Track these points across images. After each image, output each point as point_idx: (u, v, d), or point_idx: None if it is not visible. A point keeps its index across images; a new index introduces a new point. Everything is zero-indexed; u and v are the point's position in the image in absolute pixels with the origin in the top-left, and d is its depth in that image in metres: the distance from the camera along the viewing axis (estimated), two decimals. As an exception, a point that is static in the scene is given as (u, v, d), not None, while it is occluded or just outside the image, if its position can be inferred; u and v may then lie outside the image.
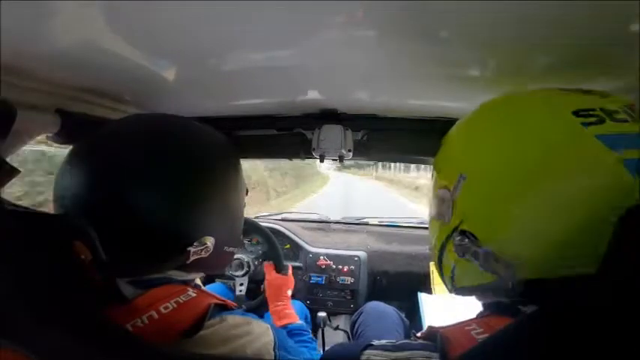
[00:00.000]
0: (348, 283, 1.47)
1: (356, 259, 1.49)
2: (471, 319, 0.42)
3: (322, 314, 1.24)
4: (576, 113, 0.33)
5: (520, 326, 0.30)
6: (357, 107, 0.90)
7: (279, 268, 1.12)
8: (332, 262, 1.48)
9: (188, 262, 0.46)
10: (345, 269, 1.47)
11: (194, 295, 0.46)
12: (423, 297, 1.12)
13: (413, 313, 1.37)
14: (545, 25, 0.42)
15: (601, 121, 0.32)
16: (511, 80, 0.60)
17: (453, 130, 0.47)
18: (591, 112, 0.33)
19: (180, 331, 0.40)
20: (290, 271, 1.12)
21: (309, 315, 1.36)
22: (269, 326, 0.50)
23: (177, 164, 0.46)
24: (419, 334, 0.48)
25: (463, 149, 0.43)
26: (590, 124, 0.32)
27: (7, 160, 0.59)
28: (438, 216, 0.45)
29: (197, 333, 0.41)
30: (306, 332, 0.90)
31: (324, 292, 1.50)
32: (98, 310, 0.36)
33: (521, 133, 0.36)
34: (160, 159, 0.46)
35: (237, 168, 0.56)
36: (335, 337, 1.38)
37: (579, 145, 0.32)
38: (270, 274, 1.10)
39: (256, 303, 1.21)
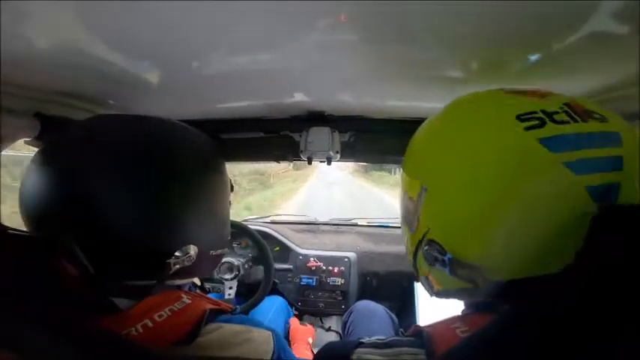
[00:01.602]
0: (339, 284, 1.47)
1: (346, 260, 1.49)
2: (456, 317, 0.43)
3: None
4: (519, 117, 0.34)
5: (498, 324, 0.31)
6: (344, 109, 0.91)
7: (268, 272, 1.16)
8: (322, 264, 1.49)
9: (170, 272, 0.45)
10: (336, 270, 1.48)
11: (189, 301, 0.45)
12: (419, 287, 1.13)
13: (403, 312, 1.38)
14: (522, 28, 0.43)
15: (542, 124, 0.33)
16: (490, 80, 0.61)
17: (415, 137, 0.47)
18: (533, 116, 0.34)
19: (176, 339, 0.40)
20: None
21: (291, 313, 1.41)
22: (270, 334, 0.49)
23: (152, 170, 0.43)
24: (407, 332, 0.49)
25: (424, 160, 0.43)
26: (532, 127, 0.33)
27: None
28: (408, 225, 0.46)
29: (194, 340, 0.41)
30: None
31: (315, 294, 1.50)
32: (91, 320, 0.36)
33: (472, 142, 0.37)
34: (131, 165, 0.42)
35: (219, 168, 0.54)
36: (328, 338, 1.39)
37: (524, 150, 0.33)
38: (294, 323, 1.26)
39: (247, 306, 1.20)
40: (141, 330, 0.39)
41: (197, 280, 1.21)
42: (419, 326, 0.44)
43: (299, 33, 0.45)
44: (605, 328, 0.24)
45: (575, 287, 0.27)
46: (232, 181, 0.60)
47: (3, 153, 0.64)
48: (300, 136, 0.97)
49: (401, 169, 0.50)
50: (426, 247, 0.40)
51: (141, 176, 0.42)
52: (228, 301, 1.23)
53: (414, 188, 0.42)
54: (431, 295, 0.48)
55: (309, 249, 1.55)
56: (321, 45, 0.49)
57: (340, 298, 1.49)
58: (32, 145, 0.68)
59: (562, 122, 0.33)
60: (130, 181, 0.42)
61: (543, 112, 0.34)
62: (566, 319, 0.26)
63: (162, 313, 0.42)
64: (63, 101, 0.68)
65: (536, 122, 0.33)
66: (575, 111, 0.34)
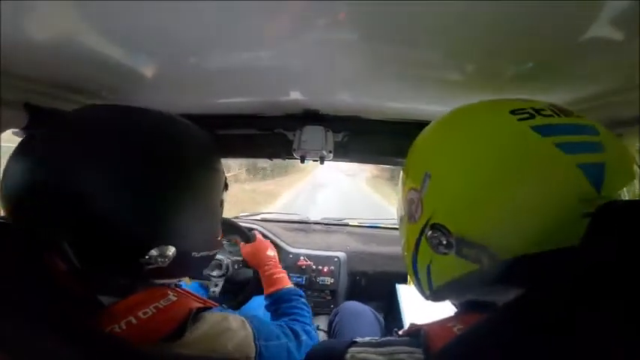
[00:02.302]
0: (328, 283, 1.48)
1: (336, 259, 1.50)
2: (451, 317, 0.44)
3: None
4: (512, 112, 0.40)
5: (493, 318, 0.32)
6: (339, 109, 0.91)
7: (247, 238, 1.10)
8: (312, 263, 1.49)
9: (145, 271, 0.43)
10: (325, 270, 1.48)
11: (174, 299, 0.45)
12: (400, 288, 1.15)
13: (392, 312, 1.40)
14: (517, 33, 0.44)
15: (532, 116, 0.38)
16: (486, 85, 0.62)
17: (419, 137, 0.50)
18: (524, 111, 0.39)
19: (162, 336, 0.40)
20: (259, 236, 1.11)
21: None
22: (243, 319, 0.49)
23: (130, 163, 0.42)
24: (401, 332, 0.49)
25: (428, 152, 0.47)
26: (524, 119, 0.38)
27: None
28: (409, 218, 0.46)
29: (180, 337, 0.41)
30: (296, 297, 0.86)
31: (305, 293, 1.49)
32: (75, 316, 0.35)
33: (473, 131, 0.42)
34: (109, 157, 0.41)
35: (208, 165, 0.51)
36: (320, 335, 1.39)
37: (519, 135, 0.38)
38: (243, 248, 1.08)
39: (236, 303, 1.20)
40: (124, 327, 0.39)
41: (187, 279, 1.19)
42: (415, 325, 0.45)
43: (297, 31, 0.46)
44: (601, 322, 0.25)
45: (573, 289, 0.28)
46: (227, 179, 0.58)
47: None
48: (294, 134, 0.97)
49: (401, 172, 0.52)
50: (430, 232, 0.41)
51: (119, 169, 0.41)
52: (212, 297, 1.22)
53: (417, 179, 0.44)
54: (425, 297, 0.48)
55: (300, 248, 1.55)
56: (319, 44, 0.49)
57: (329, 297, 1.49)
58: (20, 137, 0.66)
59: (549, 116, 0.39)
60: (108, 173, 0.41)
61: (532, 108, 0.40)
62: (557, 312, 0.27)
63: (147, 310, 0.42)
64: (56, 94, 0.67)
65: (527, 115, 0.39)
66: (559, 109, 0.40)
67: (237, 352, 0.45)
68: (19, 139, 0.46)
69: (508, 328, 0.29)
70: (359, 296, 1.38)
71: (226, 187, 0.57)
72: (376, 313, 1.18)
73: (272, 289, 0.89)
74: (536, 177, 0.35)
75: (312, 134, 0.96)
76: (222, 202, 0.57)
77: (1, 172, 0.43)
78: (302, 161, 1.05)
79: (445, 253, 0.40)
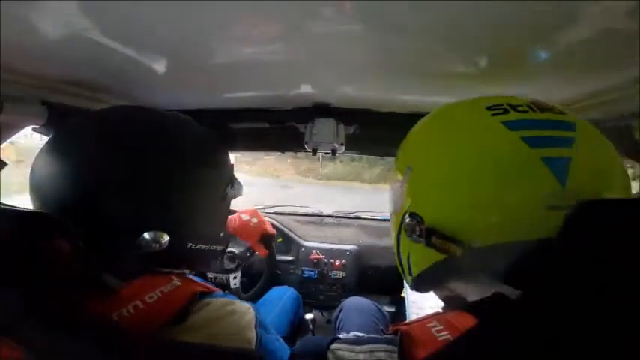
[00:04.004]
0: (340, 277, 1.48)
1: (348, 253, 1.50)
2: (432, 315, 0.44)
3: (309, 316, 1.24)
4: (488, 108, 0.41)
5: (483, 328, 0.32)
6: (350, 101, 0.90)
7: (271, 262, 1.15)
8: (324, 256, 1.49)
9: (140, 251, 0.45)
10: (337, 263, 1.49)
11: (178, 283, 0.46)
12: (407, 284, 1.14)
13: (402, 305, 1.39)
14: (527, 25, 0.43)
15: (506, 112, 0.40)
16: (495, 77, 0.61)
17: (409, 133, 0.51)
18: (499, 107, 0.41)
19: (167, 319, 0.41)
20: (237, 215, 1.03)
21: (301, 309, 1.34)
22: (250, 306, 0.50)
23: (136, 154, 0.46)
24: (390, 329, 0.49)
25: (411, 147, 0.49)
26: (497, 114, 0.40)
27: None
28: (394, 209, 0.48)
29: (185, 320, 0.42)
30: None
31: (317, 286, 1.51)
32: (82, 301, 0.37)
33: (450, 127, 0.44)
34: (118, 147, 0.46)
35: (208, 163, 0.53)
36: (329, 330, 1.40)
37: (488, 129, 0.39)
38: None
39: (251, 295, 1.21)
40: (132, 311, 0.41)
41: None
42: (398, 324, 0.45)
43: (308, 23, 0.45)
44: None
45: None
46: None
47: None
48: (305, 127, 0.97)
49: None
50: (407, 220, 0.43)
51: (124, 158, 0.45)
52: (236, 290, 1.23)
53: (402, 171, 0.46)
54: (411, 287, 0.50)
55: (312, 241, 1.56)
56: (328, 36, 0.48)
57: (341, 290, 1.50)
58: (40, 133, 0.69)
59: (523, 111, 0.40)
60: (115, 161, 0.45)
61: (509, 104, 0.41)
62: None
63: (153, 294, 0.43)
64: (70, 90, 0.69)
65: (501, 110, 0.40)
66: (536, 106, 0.40)
67: (239, 335, 0.46)
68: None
69: (498, 343, 0.30)
70: (371, 290, 1.38)
71: (232, 185, 0.58)
72: (381, 307, 1.17)
73: None
74: (500, 170, 0.37)
75: (324, 127, 0.95)
76: (225, 198, 0.58)
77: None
78: (314, 154, 1.05)
79: (419, 242, 0.41)
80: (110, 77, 0.68)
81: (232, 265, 1.28)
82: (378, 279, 1.50)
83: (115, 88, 0.74)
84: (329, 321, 1.47)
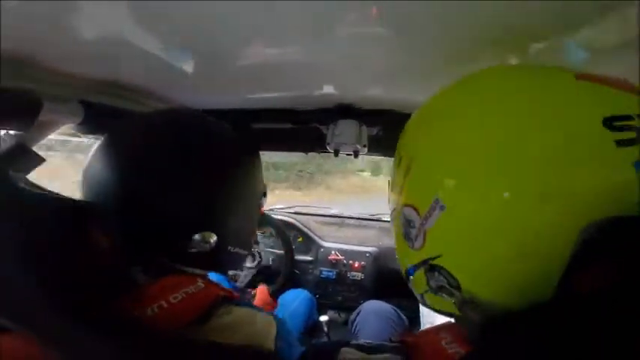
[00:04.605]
0: (359, 279, 1.47)
1: (367, 255, 1.48)
2: (441, 326, 0.40)
3: (324, 318, 1.23)
4: (608, 122, 0.25)
5: (498, 342, 0.28)
6: (374, 102, 0.89)
7: (282, 233, 1.17)
8: (343, 258, 1.49)
9: (189, 250, 0.47)
10: (356, 265, 1.47)
11: (203, 286, 0.47)
12: None
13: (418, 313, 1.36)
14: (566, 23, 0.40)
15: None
16: None
17: (410, 121, 0.41)
18: (627, 124, 0.25)
19: (189, 320, 0.42)
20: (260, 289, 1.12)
21: (315, 312, 1.34)
22: (272, 319, 0.51)
23: (189, 163, 0.48)
24: (400, 338, 0.47)
25: (441, 165, 0.32)
26: (625, 143, 0.24)
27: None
28: (404, 235, 0.37)
29: (206, 322, 0.43)
30: None
31: (334, 287, 1.50)
32: (110, 297, 0.37)
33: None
34: (168, 151, 0.47)
35: (250, 170, 0.56)
36: (344, 332, 1.39)
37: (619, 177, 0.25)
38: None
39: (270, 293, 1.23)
40: (156, 310, 0.41)
41: None
42: (406, 333, 0.43)
43: (333, 25, 0.45)
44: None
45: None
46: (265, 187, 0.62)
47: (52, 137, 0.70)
48: (328, 128, 0.97)
49: (394, 162, 0.42)
50: (431, 272, 0.33)
51: (177, 162, 0.47)
52: (242, 290, 1.25)
53: (422, 200, 0.33)
54: (420, 301, 0.43)
55: (332, 242, 1.55)
56: (356, 37, 0.48)
57: (359, 292, 1.49)
58: (78, 132, 0.72)
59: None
60: (168, 164, 0.47)
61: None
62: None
63: (178, 295, 0.43)
64: (105, 90, 0.71)
65: (633, 135, 0.23)
66: None
67: (256, 342, 0.46)
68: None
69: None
70: (389, 293, 1.36)
71: (265, 194, 0.62)
72: (400, 312, 1.15)
73: None
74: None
75: (346, 128, 0.94)
76: (260, 206, 0.61)
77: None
78: (336, 155, 1.05)
79: (442, 296, 0.33)
80: (141, 78, 0.71)
81: (253, 264, 1.30)
82: (397, 282, 1.46)
83: (143, 89, 0.77)
84: (345, 322, 1.46)
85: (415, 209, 0.33)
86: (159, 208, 0.46)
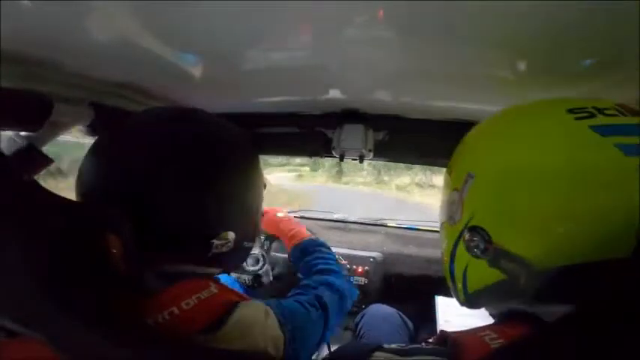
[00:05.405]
0: (362, 283, 1.46)
1: (371, 260, 1.47)
2: (485, 326, 0.41)
3: None
4: (570, 111, 0.36)
5: (545, 333, 0.28)
6: (380, 107, 0.89)
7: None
8: (347, 262, 1.48)
9: (209, 254, 0.47)
10: (360, 270, 1.46)
11: (216, 291, 0.46)
12: (439, 300, 1.10)
13: (426, 316, 1.34)
14: (572, 28, 0.40)
15: (592, 116, 0.35)
16: (540, 84, 0.58)
17: (466, 137, 0.48)
18: (584, 110, 0.36)
19: (201, 327, 0.41)
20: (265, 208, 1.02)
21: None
22: (267, 308, 0.49)
23: (202, 160, 0.47)
24: (431, 339, 0.47)
25: (472, 152, 0.44)
26: (582, 118, 0.35)
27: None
28: (449, 219, 0.45)
29: (219, 328, 0.41)
30: (318, 247, 0.84)
31: None
32: (124, 303, 0.37)
33: (523, 131, 0.39)
34: (185, 155, 0.46)
35: (256, 164, 0.57)
36: (346, 336, 1.38)
37: (575, 135, 0.35)
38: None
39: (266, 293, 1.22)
40: (167, 317, 0.40)
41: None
42: (445, 332, 0.42)
43: (339, 29, 0.45)
44: None
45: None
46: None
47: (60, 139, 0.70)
48: (333, 132, 0.97)
49: (445, 174, 0.50)
50: (469, 235, 0.39)
51: (191, 165, 0.46)
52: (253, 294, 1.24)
53: (459, 179, 0.43)
54: (460, 302, 0.46)
55: (336, 247, 1.54)
56: (362, 41, 0.48)
57: (362, 297, 1.47)
58: (87, 134, 0.73)
59: (612, 115, 0.35)
60: (183, 168, 0.45)
61: (594, 107, 0.36)
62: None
63: (189, 300, 0.42)
64: (114, 92, 0.72)
65: (587, 114, 0.35)
66: (625, 109, 0.36)
67: (269, 345, 0.45)
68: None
69: (561, 346, 0.26)
70: (393, 298, 1.35)
71: (264, 186, 0.62)
72: (405, 317, 1.14)
73: (292, 243, 0.89)
74: (591, 181, 0.32)
75: (352, 133, 0.94)
76: (263, 199, 0.61)
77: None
78: (341, 159, 1.05)
79: (480, 257, 0.39)
80: (152, 81, 0.71)
81: (257, 267, 1.29)
82: (401, 288, 1.46)
83: (153, 91, 0.78)
84: (347, 328, 1.45)
85: (456, 189, 0.43)
86: (177, 216, 0.45)
